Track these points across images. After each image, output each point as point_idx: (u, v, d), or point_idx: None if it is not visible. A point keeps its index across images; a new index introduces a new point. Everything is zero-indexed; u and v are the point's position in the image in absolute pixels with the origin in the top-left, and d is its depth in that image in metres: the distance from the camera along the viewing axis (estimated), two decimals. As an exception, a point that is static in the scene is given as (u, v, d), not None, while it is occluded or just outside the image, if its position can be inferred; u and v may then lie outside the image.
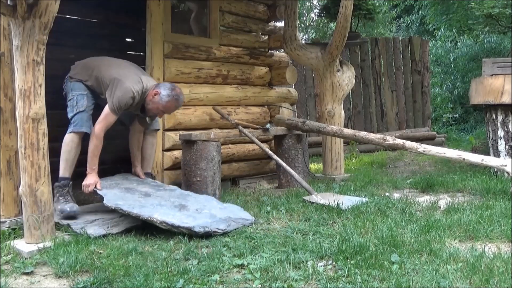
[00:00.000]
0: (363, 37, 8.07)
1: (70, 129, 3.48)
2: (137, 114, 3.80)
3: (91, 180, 3.46)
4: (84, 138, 3.54)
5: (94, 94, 3.68)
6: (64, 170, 3.47)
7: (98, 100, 3.70)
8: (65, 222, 3.24)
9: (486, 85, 4.99)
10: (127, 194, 3.46)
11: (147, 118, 3.82)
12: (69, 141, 3.46)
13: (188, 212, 3.29)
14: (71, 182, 3.51)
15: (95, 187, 3.46)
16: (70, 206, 3.35)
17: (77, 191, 4.23)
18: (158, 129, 4.05)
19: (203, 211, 3.35)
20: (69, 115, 3.54)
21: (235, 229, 3.17)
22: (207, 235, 3.04)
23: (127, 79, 3.53)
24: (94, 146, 3.46)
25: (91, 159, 3.48)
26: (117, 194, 3.42)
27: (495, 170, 4.79)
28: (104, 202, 3.27)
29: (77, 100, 3.56)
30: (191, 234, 3.02)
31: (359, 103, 9.04)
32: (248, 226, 3.24)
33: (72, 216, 3.32)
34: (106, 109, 3.51)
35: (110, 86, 3.52)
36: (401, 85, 9.47)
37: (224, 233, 3.09)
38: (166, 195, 3.58)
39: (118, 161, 4.88)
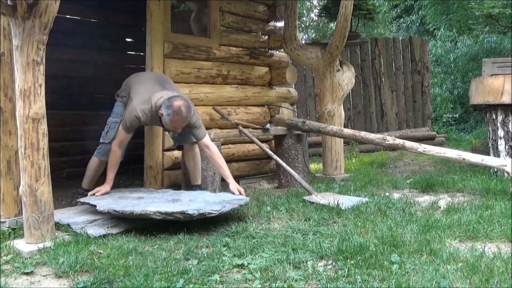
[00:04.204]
0: (363, 37, 8.07)
1: (96, 152, 3.95)
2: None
3: (103, 189, 3.69)
4: None
5: None
6: (85, 183, 4.00)
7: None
8: (65, 222, 3.24)
9: (486, 85, 5.00)
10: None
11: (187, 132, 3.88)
12: (93, 162, 3.97)
13: (181, 203, 3.34)
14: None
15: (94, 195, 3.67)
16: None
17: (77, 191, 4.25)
18: (194, 142, 3.98)
19: (196, 199, 3.42)
20: (100, 139, 3.96)
21: (231, 209, 3.24)
22: (203, 219, 3.11)
23: (136, 99, 3.70)
24: (111, 160, 3.77)
25: (109, 170, 3.77)
26: (110, 201, 3.43)
27: (495, 170, 4.79)
28: (97, 208, 3.26)
29: (109, 128, 3.92)
30: (186, 220, 3.09)
31: (359, 103, 9.03)
32: (244, 205, 3.39)
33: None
34: (120, 126, 3.76)
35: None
36: (401, 85, 9.47)
37: (219, 215, 3.15)
38: (159, 195, 3.64)
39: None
